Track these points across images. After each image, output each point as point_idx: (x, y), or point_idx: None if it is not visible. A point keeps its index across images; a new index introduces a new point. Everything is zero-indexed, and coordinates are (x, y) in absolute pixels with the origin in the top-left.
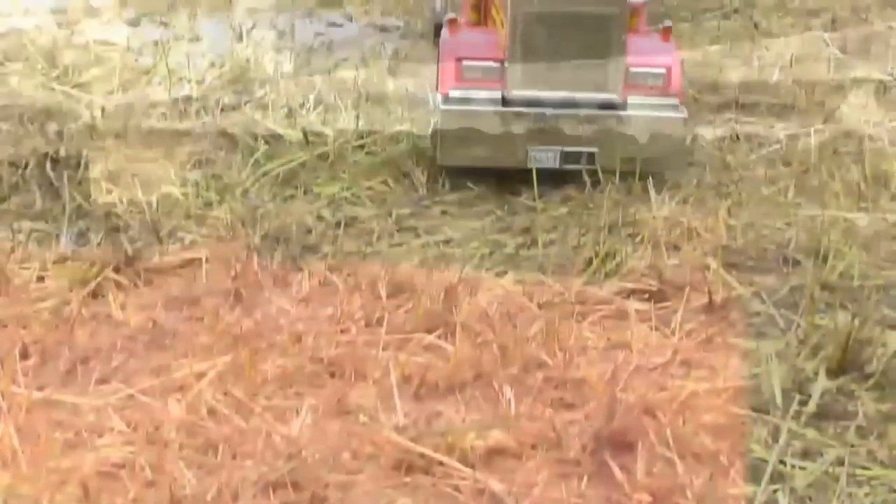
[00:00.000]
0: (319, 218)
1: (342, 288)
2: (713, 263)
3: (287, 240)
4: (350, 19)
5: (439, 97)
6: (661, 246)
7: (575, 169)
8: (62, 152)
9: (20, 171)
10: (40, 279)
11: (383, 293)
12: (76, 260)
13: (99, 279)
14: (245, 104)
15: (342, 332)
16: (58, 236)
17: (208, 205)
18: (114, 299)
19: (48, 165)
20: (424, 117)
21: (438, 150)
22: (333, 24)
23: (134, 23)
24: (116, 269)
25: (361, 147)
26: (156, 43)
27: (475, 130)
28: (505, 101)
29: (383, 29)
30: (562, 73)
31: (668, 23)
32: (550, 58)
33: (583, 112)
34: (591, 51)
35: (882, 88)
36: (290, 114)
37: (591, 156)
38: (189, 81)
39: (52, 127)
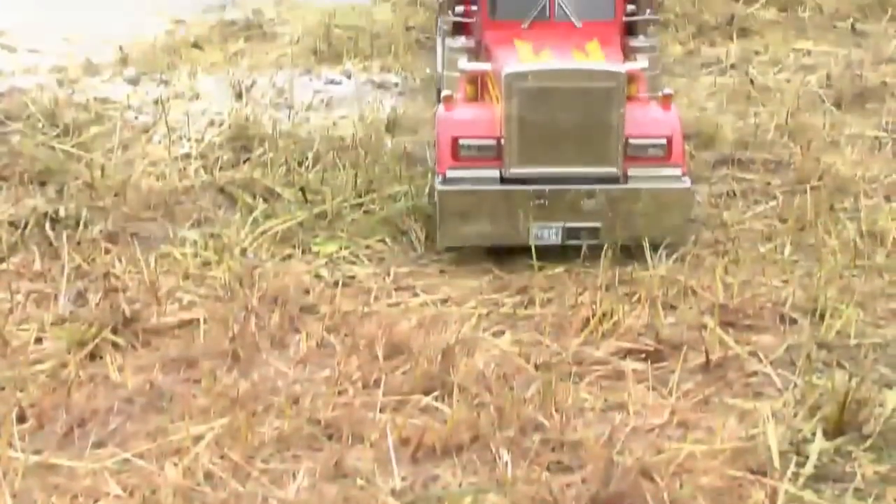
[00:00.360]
0: (317, 277)
1: (340, 349)
2: (710, 322)
3: (285, 300)
4: (349, 76)
5: (438, 177)
6: (658, 305)
7: (578, 244)
8: (62, 212)
9: (20, 231)
10: (38, 341)
11: (380, 354)
12: (74, 321)
13: (97, 341)
14: (244, 162)
15: (339, 393)
16: (56, 297)
17: (206, 264)
18: (111, 361)
19: (48, 225)
20: (422, 176)
21: (438, 230)
22: (332, 82)
23: (134, 81)
24: (114, 331)
25: (360, 206)
26: (156, 101)
27: (474, 210)
28: (504, 179)
29: (381, 86)
30: (560, 148)
31: (667, 90)
32: (548, 134)
33: (584, 187)
34: (589, 125)
35: (877, 144)
36: (289, 172)
37: (594, 230)
38: (188, 139)
39: (52, 186)
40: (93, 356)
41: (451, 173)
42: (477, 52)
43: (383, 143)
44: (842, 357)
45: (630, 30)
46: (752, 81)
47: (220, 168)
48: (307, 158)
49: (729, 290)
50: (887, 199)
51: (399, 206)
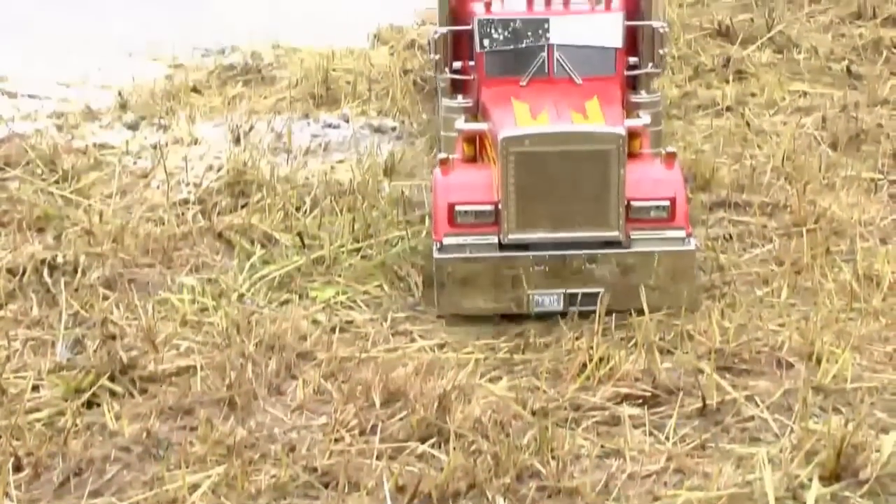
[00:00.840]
0: (315, 323)
1: (336, 396)
2: (707, 367)
3: (282, 347)
4: (346, 120)
5: (434, 244)
6: (654, 350)
7: (581, 310)
8: (60, 258)
9: (17, 278)
10: (35, 388)
11: (377, 401)
12: (72, 368)
13: (94, 388)
14: (242, 207)
15: (336, 441)
16: (54, 344)
17: (204, 310)
18: (108, 409)
19: (45, 272)
20: (419, 220)
21: (437, 299)
22: (330, 126)
23: (133, 126)
24: (112, 378)
25: (357, 251)
26: (154, 146)
27: (473, 278)
28: (502, 246)
29: (379, 130)
30: (560, 212)
31: (670, 148)
32: (546, 198)
33: (585, 252)
34: (589, 188)
35: (873, 187)
36: (287, 217)
37: (597, 296)
38: (187, 185)
39: (51, 232)
40: (90, 404)
41: (448, 240)
42: (475, 111)
43: (381, 188)
44: (838, 401)
45: (632, 84)
46: (748, 124)
47: (218, 213)
48: (305, 203)
49: (725, 334)
50: (883, 241)
51: (396, 251)
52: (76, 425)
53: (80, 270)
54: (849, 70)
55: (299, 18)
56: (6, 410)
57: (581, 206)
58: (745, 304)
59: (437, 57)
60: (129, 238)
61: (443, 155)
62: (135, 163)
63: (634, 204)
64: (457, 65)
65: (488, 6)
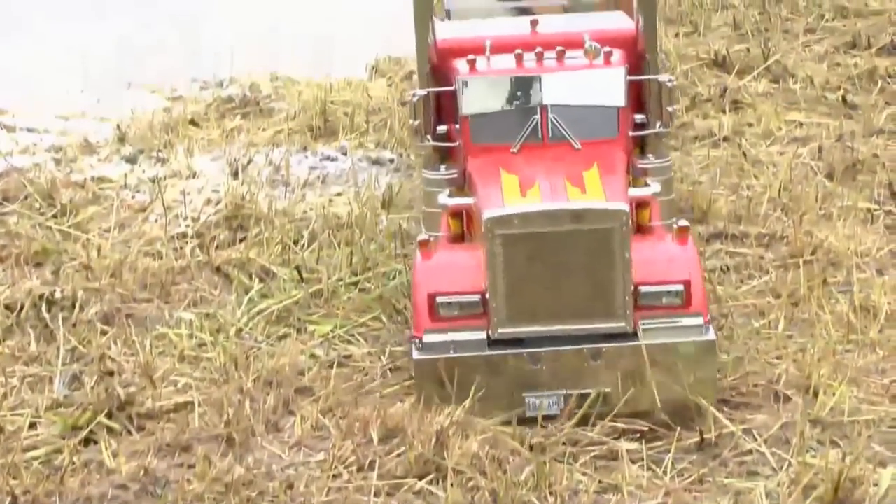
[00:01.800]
0: (313, 357)
1: (334, 432)
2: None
3: (280, 382)
4: (344, 153)
5: (413, 343)
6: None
7: (584, 413)
8: (57, 294)
9: (15, 314)
10: (33, 426)
11: (375, 437)
12: (69, 405)
13: (91, 426)
14: (240, 241)
15: (334, 477)
16: (52, 380)
17: (202, 345)
18: (106, 446)
19: (43, 307)
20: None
21: (419, 404)
22: (328, 158)
23: (132, 159)
24: (109, 415)
25: (355, 284)
26: (152, 180)
27: (459, 381)
28: (491, 342)
29: (377, 162)
30: (556, 301)
31: (683, 222)
32: (540, 286)
33: (587, 346)
34: (590, 273)
35: (869, 217)
36: (285, 251)
37: (600, 397)
38: (185, 218)
39: (49, 267)
40: (87, 441)
41: (428, 337)
42: (462, 182)
43: (379, 221)
44: (835, 435)
45: (639, 145)
46: (744, 154)
47: (217, 247)
48: (303, 237)
49: (723, 367)
50: (880, 272)
51: (394, 284)
52: (73, 463)
53: (78, 306)
54: (844, 100)
55: (297, 50)
56: (3, 448)
57: (581, 295)
58: (742, 336)
59: (417, 122)
60: (128, 273)
61: (423, 235)
62: (133, 196)
63: (643, 289)
64: (443, 128)
65: (472, 64)
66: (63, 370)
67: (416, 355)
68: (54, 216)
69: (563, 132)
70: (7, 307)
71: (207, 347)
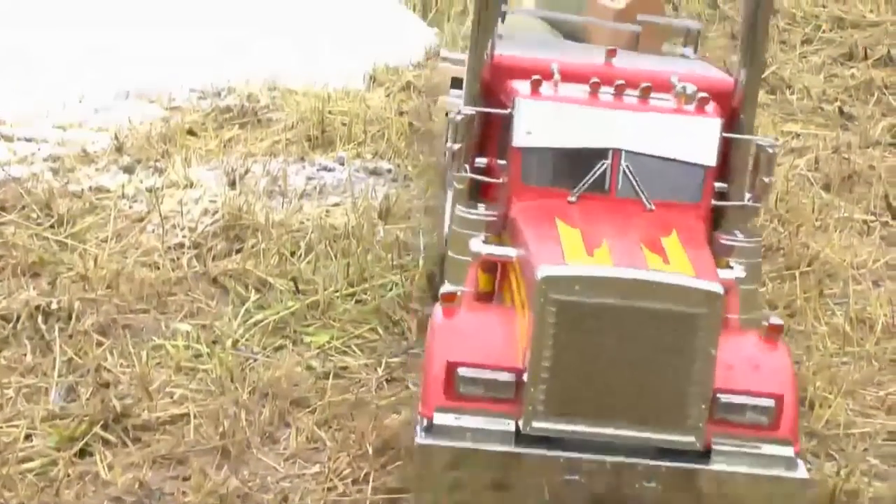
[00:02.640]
0: (309, 368)
1: (330, 444)
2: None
3: (276, 394)
4: (342, 163)
5: (419, 421)
6: None
7: None
8: (54, 304)
9: (11, 325)
10: (28, 437)
11: (370, 449)
12: (65, 417)
13: (87, 438)
14: (237, 252)
15: (329, 490)
16: (47, 391)
17: (198, 357)
18: (101, 458)
19: (40, 318)
20: (413, 265)
21: (414, 500)
22: (325, 169)
23: (129, 169)
24: (105, 427)
25: (352, 295)
26: (150, 190)
27: (472, 481)
28: (521, 437)
29: (374, 172)
30: (612, 398)
31: (776, 319)
32: (596, 374)
33: (642, 461)
34: (661, 367)
35: (865, 228)
36: (282, 262)
37: None
38: (182, 229)
39: (45, 278)
40: (83, 453)
41: (441, 418)
42: (499, 228)
43: (376, 232)
44: (831, 447)
45: (716, 218)
46: None
47: (214, 258)
48: (300, 248)
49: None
50: (876, 284)
51: (391, 296)
52: (69, 475)
53: (74, 316)
54: (841, 111)
55: (296, 59)
56: None
57: (644, 392)
58: None
59: (458, 147)
60: (124, 283)
61: (448, 287)
62: (130, 207)
63: (723, 399)
64: (482, 161)
65: (536, 86)
66: (59, 381)
67: (421, 439)
68: (51, 226)
69: (635, 186)
70: (3, 318)
71: (204, 359)
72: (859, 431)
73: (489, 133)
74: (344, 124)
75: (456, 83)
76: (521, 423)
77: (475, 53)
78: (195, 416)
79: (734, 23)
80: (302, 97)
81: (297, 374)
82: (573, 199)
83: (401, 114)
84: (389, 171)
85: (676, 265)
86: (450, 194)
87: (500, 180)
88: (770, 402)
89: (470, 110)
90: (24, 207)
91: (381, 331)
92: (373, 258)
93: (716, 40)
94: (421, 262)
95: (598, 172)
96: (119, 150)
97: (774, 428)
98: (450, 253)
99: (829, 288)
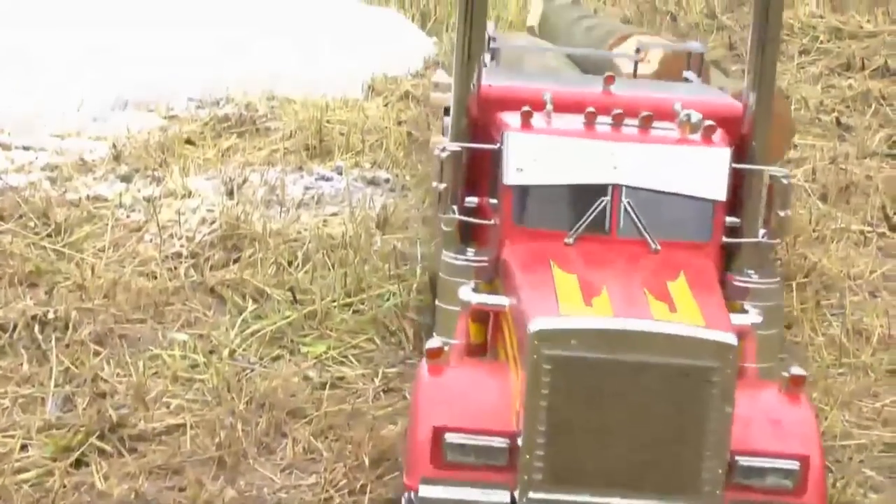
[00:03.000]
0: (306, 378)
1: (326, 455)
2: None
3: (272, 404)
4: (340, 172)
5: (405, 495)
6: None
7: None
8: (51, 314)
9: (8, 334)
10: (24, 448)
11: (367, 460)
12: (61, 427)
13: (83, 448)
14: (234, 262)
15: (325, 501)
16: (44, 401)
17: (195, 367)
18: (97, 469)
19: (36, 328)
20: (411, 274)
21: None
22: (323, 178)
23: (127, 178)
24: (101, 437)
25: (349, 305)
26: (147, 199)
27: None
28: None
29: (372, 182)
30: (617, 462)
31: (797, 370)
32: (598, 437)
33: None
34: (671, 427)
35: (862, 239)
36: (279, 272)
37: None
38: (179, 238)
39: (42, 287)
40: (78, 463)
41: (427, 490)
42: (491, 274)
43: (373, 242)
44: (827, 459)
45: (728, 256)
46: None
47: (211, 268)
48: (297, 258)
49: None
50: (872, 295)
51: (388, 306)
52: (64, 486)
53: (71, 326)
54: (838, 121)
55: (294, 68)
56: None
57: (654, 457)
58: None
59: (444, 187)
60: (121, 293)
61: (435, 341)
62: (128, 216)
63: (742, 462)
64: (472, 200)
65: (527, 118)
66: (55, 391)
67: None
68: (49, 235)
69: (638, 225)
70: (0, 327)
71: (200, 369)
72: (855, 443)
73: (479, 169)
74: (342, 134)
75: (448, 112)
76: (516, 493)
77: (460, 84)
78: (191, 427)
79: (732, 32)
80: (300, 106)
81: (293, 385)
82: (570, 240)
83: (399, 123)
84: (387, 180)
85: (684, 313)
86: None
87: (492, 221)
88: (794, 465)
89: (455, 146)
90: (21, 216)
91: (377, 341)
92: (370, 268)
93: (713, 50)
94: (418, 272)
95: (597, 211)
96: (117, 158)
97: (800, 493)
98: (438, 302)
99: (826, 299)
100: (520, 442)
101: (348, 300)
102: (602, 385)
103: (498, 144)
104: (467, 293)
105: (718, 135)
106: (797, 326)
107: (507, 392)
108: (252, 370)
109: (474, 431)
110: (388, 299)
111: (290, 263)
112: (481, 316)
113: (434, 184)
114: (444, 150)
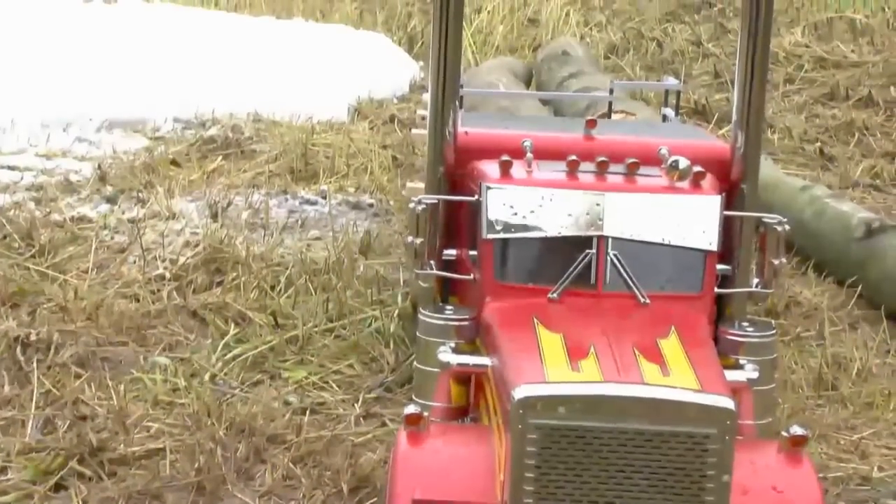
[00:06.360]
0: (286, 404)
1: (305, 482)
2: None
3: (252, 430)
4: (324, 196)
5: None
6: None
7: None
8: (33, 336)
9: None
10: (3, 470)
11: (345, 488)
12: (41, 450)
13: (63, 472)
14: (217, 285)
15: None
16: (24, 424)
17: (176, 391)
18: (76, 493)
19: (18, 350)
20: (392, 300)
21: None
22: (307, 202)
23: (112, 199)
24: (81, 461)
25: (331, 331)
26: (131, 221)
27: None
28: None
29: (356, 206)
30: None
31: (797, 429)
32: None
33: None
34: (662, 499)
35: None
36: (261, 296)
37: None
38: (163, 261)
39: (25, 308)
40: (58, 487)
41: None
42: (473, 333)
43: (356, 267)
44: None
45: (719, 307)
46: None
47: (194, 291)
48: (280, 282)
49: None
50: (853, 327)
51: (369, 331)
52: None
53: (53, 348)
54: (821, 151)
55: (281, 90)
56: None
57: None
58: None
59: (419, 241)
60: (104, 315)
61: (412, 408)
62: (112, 237)
63: None
64: (450, 253)
65: (506, 168)
66: (36, 414)
67: None
68: (32, 256)
69: (626, 278)
70: None
71: (181, 393)
72: (833, 476)
73: (457, 220)
74: (327, 157)
75: None
76: None
77: (435, 132)
78: (171, 452)
79: (717, 60)
80: (286, 129)
81: (274, 410)
82: (555, 295)
83: (384, 147)
84: (371, 205)
85: (677, 376)
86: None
87: (471, 277)
88: None
89: (431, 199)
90: (5, 237)
91: (358, 367)
92: (352, 293)
93: (698, 77)
94: (400, 299)
95: (582, 264)
96: (102, 179)
97: None
98: (416, 364)
99: (806, 331)
100: None
101: (330, 325)
102: (591, 455)
103: (476, 196)
104: (447, 354)
105: (708, 181)
106: (779, 358)
107: (489, 460)
108: (233, 395)
109: (456, 502)
110: (369, 324)
111: (272, 288)
112: (462, 377)
113: (409, 238)
114: (419, 202)
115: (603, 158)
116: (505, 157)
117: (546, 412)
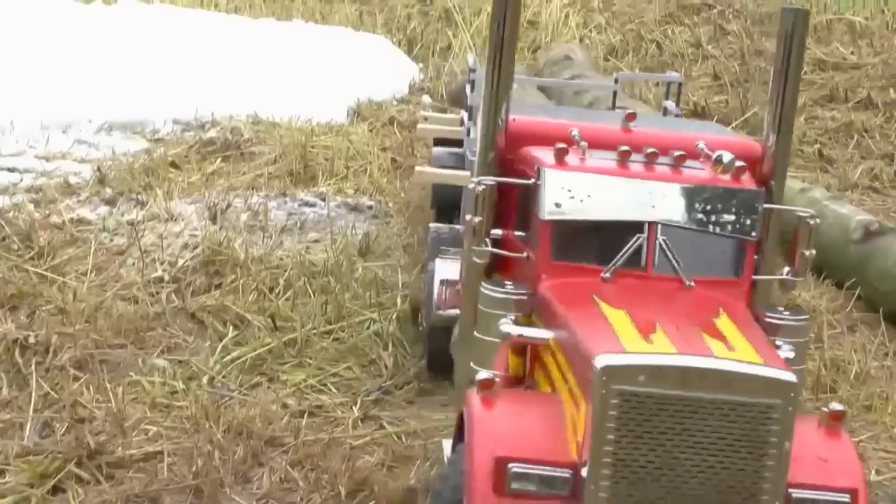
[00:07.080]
0: (284, 406)
1: (302, 485)
2: None
3: (250, 433)
4: (323, 198)
5: None
6: None
7: None
8: (32, 338)
9: None
10: (1, 473)
11: (343, 491)
12: (39, 453)
13: (60, 475)
14: (216, 288)
15: None
16: (22, 426)
17: (174, 393)
18: (74, 496)
19: (17, 352)
20: (391, 302)
21: None
22: (306, 204)
23: (111, 201)
24: (79, 463)
25: (329, 333)
26: (130, 223)
27: None
28: None
29: (355, 209)
30: (680, 494)
31: (836, 405)
32: (661, 469)
33: None
34: (731, 462)
35: None
36: (260, 298)
37: None
38: (162, 263)
39: (24, 311)
40: (56, 490)
41: None
42: (529, 308)
43: (355, 269)
44: None
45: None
46: None
47: (193, 293)
48: (279, 285)
49: None
50: (851, 329)
51: (368, 334)
52: None
53: (51, 351)
54: (821, 153)
55: (280, 93)
56: None
57: (716, 489)
58: None
59: (478, 220)
60: (102, 318)
61: (485, 373)
62: (111, 240)
63: (796, 494)
64: (497, 233)
65: (561, 155)
66: (35, 416)
67: None
68: (31, 258)
69: (673, 262)
70: None
71: (179, 395)
72: None
73: (505, 203)
74: (326, 159)
75: (439, 143)
76: None
77: (489, 118)
78: (169, 455)
79: (717, 62)
80: (285, 131)
81: (272, 413)
82: (607, 275)
83: (383, 149)
84: (370, 207)
85: (741, 351)
86: (439, 263)
87: (524, 255)
88: (845, 498)
89: (490, 181)
90: (4, 238)
91: (356, 369)
92: (351, 296)
93: (698, 79)
94: (399, 301)
95: (634, 248)
96: (102, 181)
97: None
98: (477, 333)
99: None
100: (584, 473)
101: (329, 328)
102: (667, 420)
103: (532, 180)
104: (509, 326)
105: (747, 175)
106: None
107: (560, 424)
108: (231, 398)
109: (536, 462)
110: (368, 327)
111: (271, 290)
112: (519, 348)
113: (468, 217)
114: (479, 183)
115: (652, 149)
116: (561, 145)
117: (627, 379)
